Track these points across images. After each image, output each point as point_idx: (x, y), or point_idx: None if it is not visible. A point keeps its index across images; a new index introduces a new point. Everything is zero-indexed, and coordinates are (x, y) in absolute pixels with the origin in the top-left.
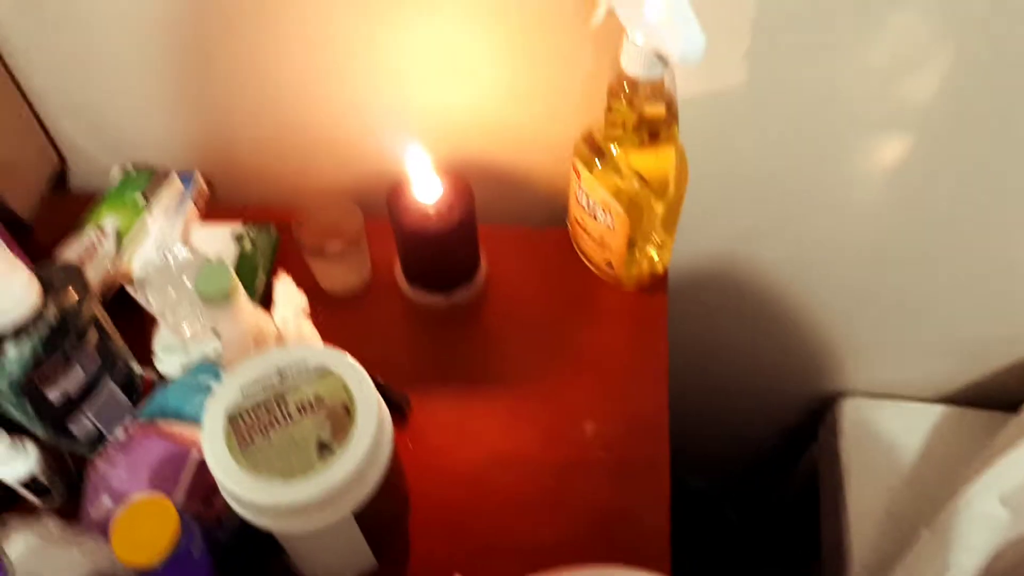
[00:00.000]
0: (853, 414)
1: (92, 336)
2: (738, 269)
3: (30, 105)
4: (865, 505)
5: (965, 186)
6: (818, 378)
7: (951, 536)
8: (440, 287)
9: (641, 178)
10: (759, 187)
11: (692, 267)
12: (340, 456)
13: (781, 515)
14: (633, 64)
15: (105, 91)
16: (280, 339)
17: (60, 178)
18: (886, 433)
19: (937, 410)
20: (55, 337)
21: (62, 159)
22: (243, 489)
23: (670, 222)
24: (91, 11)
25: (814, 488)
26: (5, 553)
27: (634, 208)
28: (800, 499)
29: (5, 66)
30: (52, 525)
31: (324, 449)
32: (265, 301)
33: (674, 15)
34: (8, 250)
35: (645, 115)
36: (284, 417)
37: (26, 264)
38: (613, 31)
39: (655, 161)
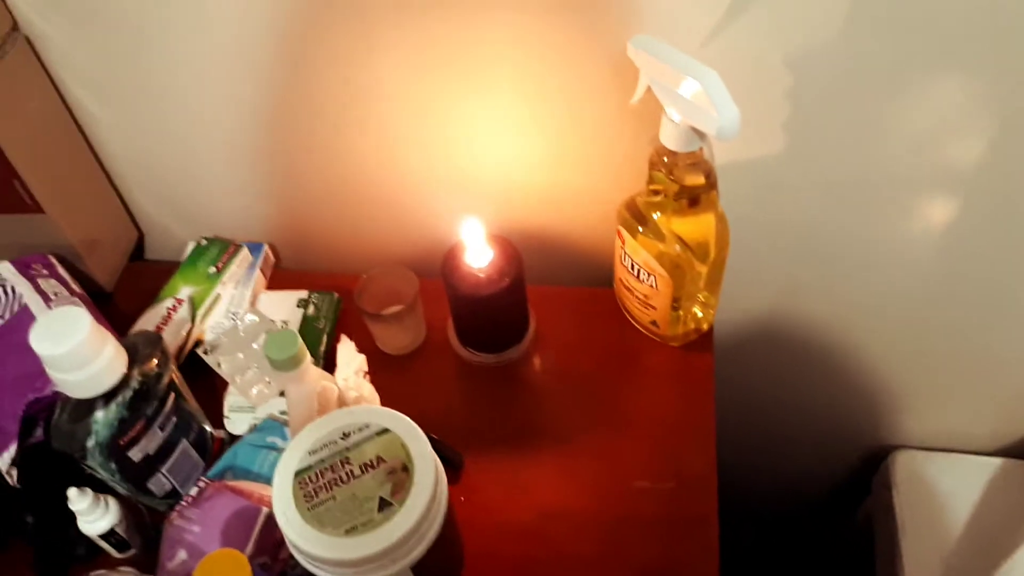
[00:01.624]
0: (907, 467)
1: (170, 399)
2: (786, 325)
3: (113, 184)
4: (921, 560)
5: (1015, 243)
6: (870, 432)
7: None
8: (491, 347)
9: (683, 242)
10: (803, 247)
11: (739, 324)
12: (399, 512)
13: (836, 570)
14: (671, 139)
15: (182, 171)
16: (342, 398)
17: (138, 249)
18: (941, 486)
19: (993, 463)
20: (138, 401)
21: (140, 232)
22: (309, 543)
23: (713, 282)
24: (170, 101)
25: (869, 542)
26: None
27: (677, 271)
28: (855, 554)
29: (92, 149)
30: (133, 575)
31: (385, 505)
32: (328, 361)
33: (709, 93)
34: (100, 325)
35: (684, 184)
36: (347, 476)
37: (108, 329)
38: (652, 107)
39: (696, 226)
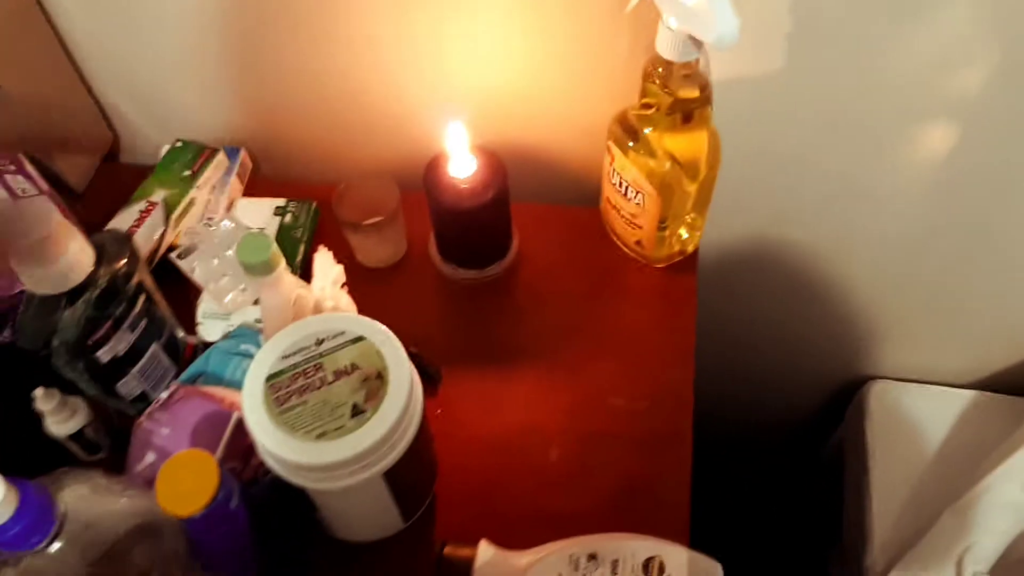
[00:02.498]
0: (881, 396)
1: (140, 301)
2: (770, 251)
3: (86, 83)
4: (888, 487)
5: (1009, 176)
6: (848, 361)
7: (973, 519)
8: (473, 262)
9: (674, 159)
10: (794, 170)
11: (723, 248)
12: (372, 419)
13: (805, 498)
14: (667, 47)
15: (156, 70)
16: (318, 308)
17: (113, 152)
18: (913, 416)
19: (966, 395)
20: (106, 300)
21: (115, 134)
22: (278, 447)
23: (702, 203)
24: (137, 2)
25: (840, 471)
26: (60, 499)
27: (666, 189)
28: (825, 481)
29: (64, 48)
30: (100, 477)
31: (357, 412)
32: (305, 272)
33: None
34: (65, 218)
35: (679, 97)
36: (320, 382)
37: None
38: (648, 15)
39: (688, 143)
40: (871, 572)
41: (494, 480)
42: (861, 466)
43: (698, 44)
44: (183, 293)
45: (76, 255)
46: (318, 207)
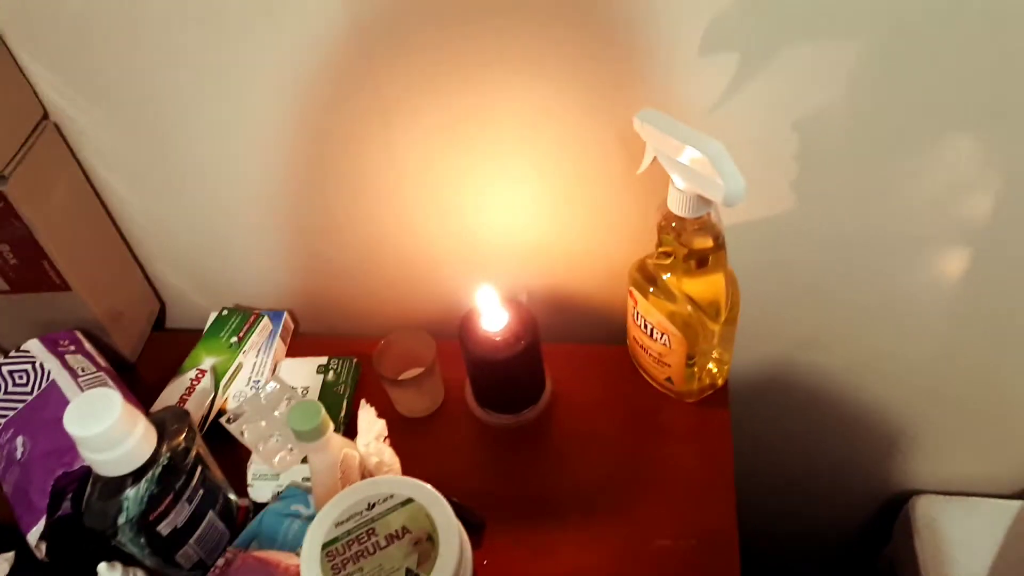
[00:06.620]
0: (927, 513)
1: (197, 472)
2: (799, 374)
3: (135, 256)
4: None
5: None
6: (889, 477)
7: None
8: (509, 408)
9: (693, 302)
10: (815, 299)
11: (753, 374)
12: None
13: None
14: (678, 205)
15: (202, 242)
16: (364, 464)
17: (160, 319)
18: (962, 531)
19: (1014, 505)
20: (167, 476)
21: (162, 302)
22: None
23: (727, 339)
24: (190, 177)
25: None
26: None
27: (689, 330)
28: None
29: (115, 224)
30: None
31: None
32: (349, 426)
33: (714, 164)
34: (130, 404)
35: (693, 248)
36: (374, 547)
37: (135, 402)
38: (660, 174)
39: (706, 286)
40: None
41: None
42: None
43: (708, 201)
44: (233, 454)
45: (140, 437)
46: (359, 362)
